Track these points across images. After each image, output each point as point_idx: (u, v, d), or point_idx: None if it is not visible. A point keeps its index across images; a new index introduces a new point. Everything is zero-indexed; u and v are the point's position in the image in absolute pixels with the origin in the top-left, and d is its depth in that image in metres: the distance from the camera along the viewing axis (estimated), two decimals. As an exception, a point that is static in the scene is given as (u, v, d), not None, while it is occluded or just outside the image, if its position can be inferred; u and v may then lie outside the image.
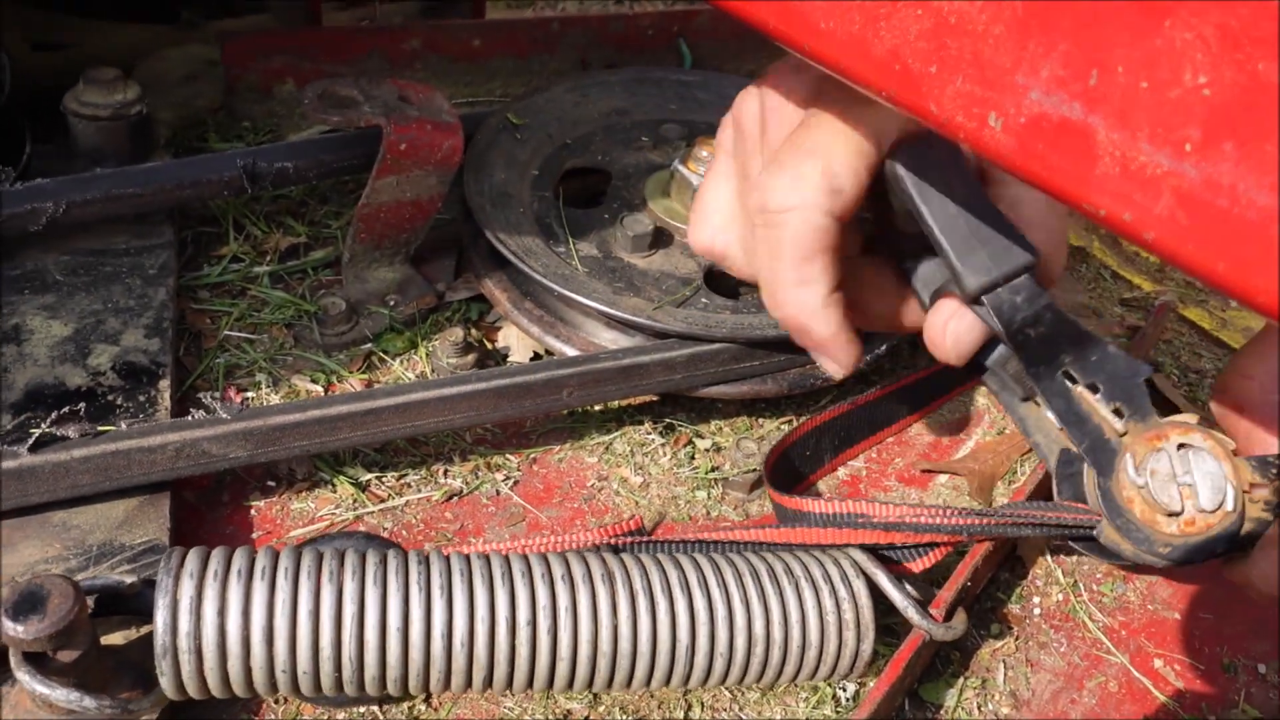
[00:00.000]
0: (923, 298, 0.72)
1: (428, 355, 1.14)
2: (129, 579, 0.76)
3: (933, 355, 0.71)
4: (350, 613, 0.73)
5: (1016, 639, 1.00)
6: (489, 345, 1.18)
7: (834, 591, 0.84)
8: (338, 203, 1.32)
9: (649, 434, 1.13)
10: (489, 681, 0.77)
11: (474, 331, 1.18)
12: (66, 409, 0.89)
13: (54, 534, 0.86)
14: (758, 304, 1.16)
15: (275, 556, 0.74)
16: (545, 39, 1.57)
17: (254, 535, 0.96)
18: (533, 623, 0.76)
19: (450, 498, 1.03)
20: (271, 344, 1.13)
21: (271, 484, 1.01)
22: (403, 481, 1.04)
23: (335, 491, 1.01)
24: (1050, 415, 0.74)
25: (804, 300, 0.67)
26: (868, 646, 0.84)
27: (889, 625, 0.94)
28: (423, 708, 0.86)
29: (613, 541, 0.89)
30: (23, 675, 0.68)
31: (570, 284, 1.09)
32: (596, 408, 1.14)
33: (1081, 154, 0.37)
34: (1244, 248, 0.33)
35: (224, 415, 0.91)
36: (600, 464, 1.10)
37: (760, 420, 1.17)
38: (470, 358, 1.10)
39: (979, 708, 0.94)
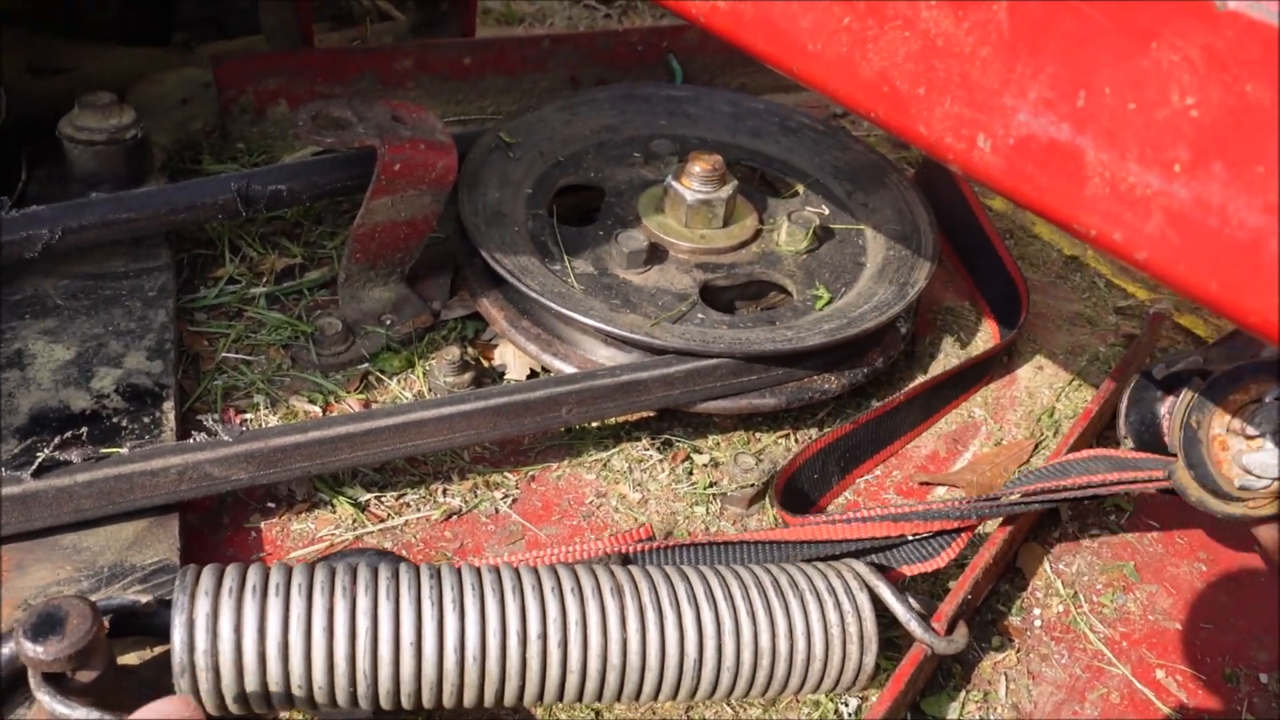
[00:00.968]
0: None
1: (424, 374, 1.15)
2: (144, 598, 0.76)
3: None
4: (364, 627, 0.73)
5: (1018, 651, 1.00)
6: (485, 363, 1.18)
7: (838, 604, 0.84)
8: (332, 223, 1.33)
9: (647, 450, 1.13)
10: (500, 696, 0.78)
11: (470, 350, 1.18)
12: (70, 433, 0.89)
13: (65, 556, 0.87)
14: (754, 319, 1.17)
15: (289, 573, 0.75)
16: (536, 57, 1.58)
17: (254, 557, 0.96)
18: (543, 636, 0.77)
19: (449, 516, 1.03)
20: (269, 365, 1.13)
21: (272, 505, 1.01)
22: (402, 501, 1.04)
23: (335, 512, 1.01)
24: None
25: None
26: (871, 659, 0.84)
27: (890, 639, 0.94)
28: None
29: (625, 550, 0.89)
30: (43, 695, 0.68)
31: (568, 302, 1.10)
32: (594, 424, 1.14)
33: (1071, 175, 0.37)
34: (1236, 267, 0.33)
35: (225, 438, 0.91)
36: (599, 481, 1.10)
37: (757, 434, 1.17)
38: (467, 376, 1.10)
39: (981, 720, 0.94)
